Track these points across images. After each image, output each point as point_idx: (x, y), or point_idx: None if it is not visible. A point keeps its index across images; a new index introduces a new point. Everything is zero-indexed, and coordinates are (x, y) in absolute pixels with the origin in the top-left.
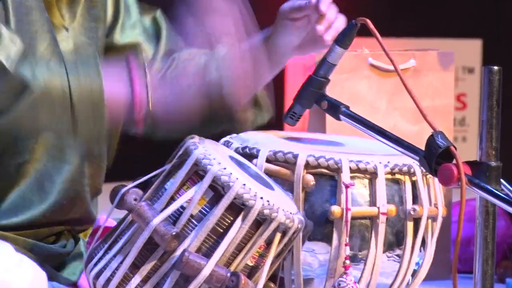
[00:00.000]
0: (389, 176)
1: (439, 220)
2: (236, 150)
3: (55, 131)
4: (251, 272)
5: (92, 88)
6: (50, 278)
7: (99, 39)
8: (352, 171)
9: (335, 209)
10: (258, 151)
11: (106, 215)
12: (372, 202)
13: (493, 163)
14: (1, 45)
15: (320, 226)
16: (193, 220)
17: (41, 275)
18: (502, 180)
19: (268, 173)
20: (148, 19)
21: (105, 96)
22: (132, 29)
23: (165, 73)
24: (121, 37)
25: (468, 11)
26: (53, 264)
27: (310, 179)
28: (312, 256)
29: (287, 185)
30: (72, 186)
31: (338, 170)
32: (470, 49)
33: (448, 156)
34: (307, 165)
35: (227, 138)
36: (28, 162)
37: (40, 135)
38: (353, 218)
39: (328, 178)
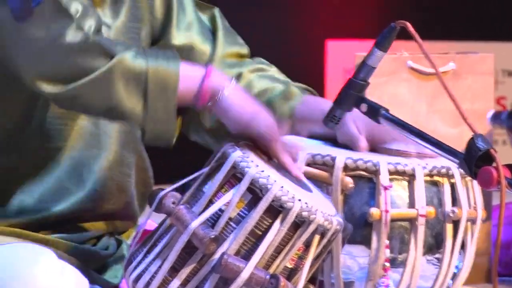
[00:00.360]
0: (428, 178)
1: (479, 222)
2: None
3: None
4: (290, 274)
5: (168, 73)
6: (92, 281)
7: (142, 40)
8: (390, 173)
9: (374, 211)
10: (296, 154)
11: (145, 218)
12: (411, 204)
13: None
14: (85, 16)
15: (359, 229)
16: (232, 223)
17: (83, 282)
18: None
19: (306, 175)
20: (205, 18)
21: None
22: (188, 29)
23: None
24: (176, 38)
25: (507, 14)
26: (95, 267)
27: (349, 181)
28: (352, 259)
29: (326, 187)
30: (110, 174)
31: (377, 172)
32: (510, 52)
33: (488, 159)
34: (346, 168)
35: None
36: (62, 148)
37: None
38: (392, 220)
39: (367, 181)
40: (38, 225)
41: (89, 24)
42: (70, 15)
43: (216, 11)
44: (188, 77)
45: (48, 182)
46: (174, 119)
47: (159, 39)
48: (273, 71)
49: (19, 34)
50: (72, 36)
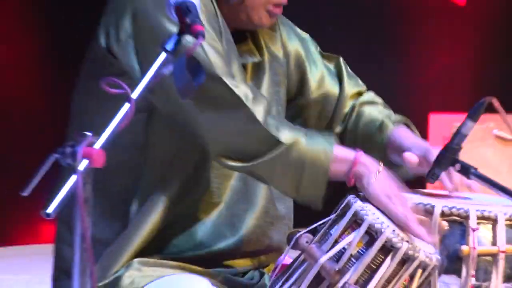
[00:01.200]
0: (508, 222)
1: None
2: None
3: (278, 184)
4: None
5: (324, 152)
6: None
7: (282, 99)
8: (478, 218)
9: (464, 248)
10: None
11: (283, 254)
12: (494, 243)
13: None
14: (255, 101)
15: (452, 262)
16: (352, 259)
17: None
18: None
19: None
20: (331, 66)
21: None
22: (321, 81)
23: (347, 122)
24: (313, 92)
25: None
26: None
27: (445, 224)
28: (445, 286)
29: (427, 229)
30: (257, 223)
31: (467, 217)
32: None
33: None
34: (442, 214)
35: None
36: (219, 202)
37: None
38: (478, 255)
39: (459, 224)
40: (197, 261)
41: (261, 109)
42: (241, 100)
43: (341, 60)
44: (339, 161)
45: (208, 227)
46: (322, 195)
47: (296, 96)
48: (380, 103)
49: (199, 111)
50: (250, 122)
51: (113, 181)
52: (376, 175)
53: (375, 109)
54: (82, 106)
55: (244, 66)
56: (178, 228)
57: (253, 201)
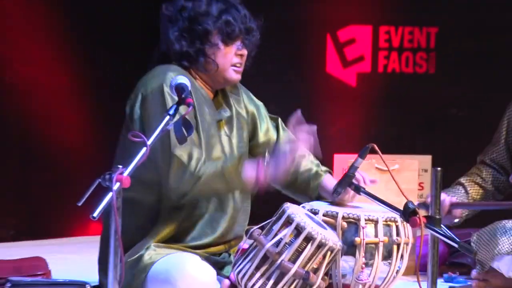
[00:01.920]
0: (385, 222)
1: (410, 244)
2: (309, 210)
3: (217, 194)
4: (315, 271)
5: (238, 170)
6: (217, 274)
7: (245, 139)
8: (365, 220)
9: (357, 239)
10: (318, 210)
11: (242, 242)
12: (376, 235)
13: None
14: (193, 156)
15: (350, 248)
16: (287, 245)
17: (213, 272)
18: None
19: (324, 221)
20: (273, 123)
21: (244, 174)
22: (266, 131)
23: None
24: (261, 138)
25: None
26: (218, 267)
27: (344, 224)
28: (346, 263)
29: (332, 227)
30: (230, 224)
31: (358, 219)
32: (422, 159)
33: (414, 212)
34: (343, 217)
35: (304, 204)
36: (203, 213)
37: (209, 198)
38: (366, 244)
39: (353, 224)
40: (191, 248)
41: (197, 159)
42: (190, 163)
43: (279, 120)
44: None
45: (197, 229)
46: (244, 186)
47: (250, 140)
48: (312, 156)
49: (167, 177)
50: (189, 176)
51: (146, 198)
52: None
53: (308, 159)
54: (120, 148)
55: (220, 120)
56: (180, 229)
57: (226, 210)
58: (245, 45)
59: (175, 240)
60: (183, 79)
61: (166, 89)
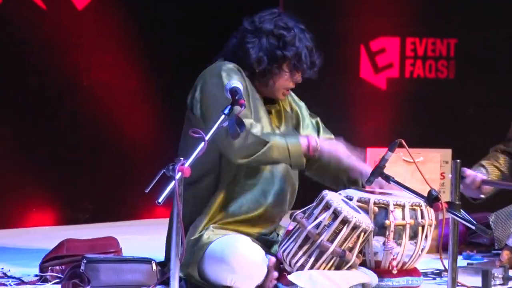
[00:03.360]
0: (411, 207)
1: (433, 226)
2: (345, 196)
3: (275, 163)
4: (351, 250)
5: (296, 144)
6: (265, 252)
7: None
8: (394, 205)
9: (387, 221)
10: (352, 197)
11: (288, 224)
12: (403, 218)
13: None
14: (255, 126)
15: (380, 229)
16: (325, 227)
17: (262, 251)
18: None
19: (358, 206)
20: (314, 121)
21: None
22: (307, 127)
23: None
24: (302, 133)
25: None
26: (267, 245)
27: (376, 209)
28: (377, 242)
29: (365, 211)
30: (278, 197)
31: (388, 204)
32: (444, 153)
33: (437, 199)
34: (374, 203)
35: (340, 191)
36: (256, 183)
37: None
38: (395, 226)
39: (384, 208)
40: (245, 221)
41: (257, 130)
42: (251, 130)
43: (318, 119)
44: (304, 144)
45: (250, 199)
46: (303, 161)
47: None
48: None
49: (230, 143)
50: (251, 142)
51: (203, 181)
52: (321, 142)
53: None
54: (183, 141)
55: (270, 111)
56: (234, 202)
57: (275, 182)
58: (303, 76)
59: (232, 214)
60: (237, 83)
61: (223, 73)
